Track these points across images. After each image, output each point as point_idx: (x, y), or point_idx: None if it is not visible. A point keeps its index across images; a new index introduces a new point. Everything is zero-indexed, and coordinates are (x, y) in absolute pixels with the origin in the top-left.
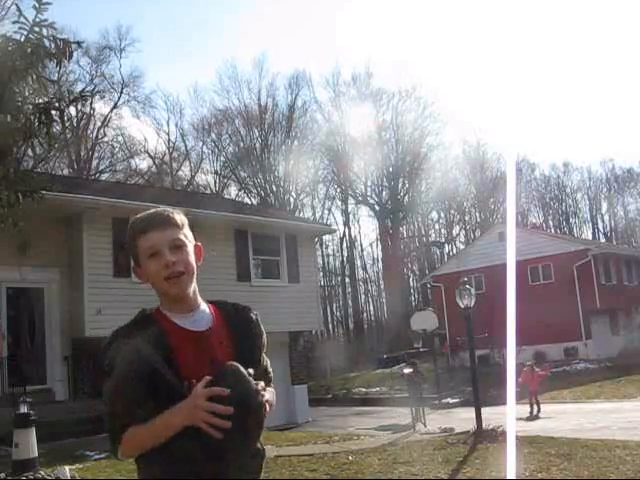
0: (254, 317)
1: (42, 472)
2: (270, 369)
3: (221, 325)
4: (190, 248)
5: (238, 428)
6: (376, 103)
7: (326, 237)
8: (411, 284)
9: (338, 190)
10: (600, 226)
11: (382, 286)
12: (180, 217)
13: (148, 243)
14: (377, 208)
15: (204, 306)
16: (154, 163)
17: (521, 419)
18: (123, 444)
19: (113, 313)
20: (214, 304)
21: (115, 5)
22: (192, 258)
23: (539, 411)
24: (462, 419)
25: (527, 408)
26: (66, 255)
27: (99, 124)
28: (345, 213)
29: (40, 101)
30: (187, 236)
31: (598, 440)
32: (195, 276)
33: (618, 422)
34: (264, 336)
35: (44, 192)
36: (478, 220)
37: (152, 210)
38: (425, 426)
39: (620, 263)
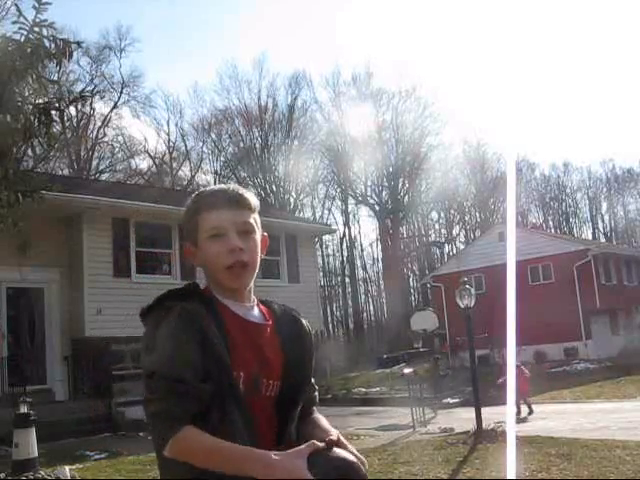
0: (305, 324)
1: (42, 472)
2: (316, 386)
3: (272, 325)
4: (258, 237)
5: None
6: (376, 103)
7: (326, 237)
8: (411, 284)
9: (338, 190)
10: (600, 226)
11: (382, 286)
12: (254, 199)
13: (213, 222)
14: (377, 208)
15: (255, 303)
16: (154, 163)
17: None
18: (182, 440)
19: (113, 313)
20: (263, 303)
21: (115, 5)
22: (259, 249)
23: (531, 412)
24: (462, 419)
25: (526, 409)
26: (66, 255)
27: (99, 124)
28: (345, 213)
29: (40, 101)
30: (257, 222)
31: (598, 440)
32: (257, 271)
33: (618, 422)
34: (313, 347)
35: (44, 192)
36: (478, 220)
37: (222, 185)
38: (425, 426)
39: (620, 263)
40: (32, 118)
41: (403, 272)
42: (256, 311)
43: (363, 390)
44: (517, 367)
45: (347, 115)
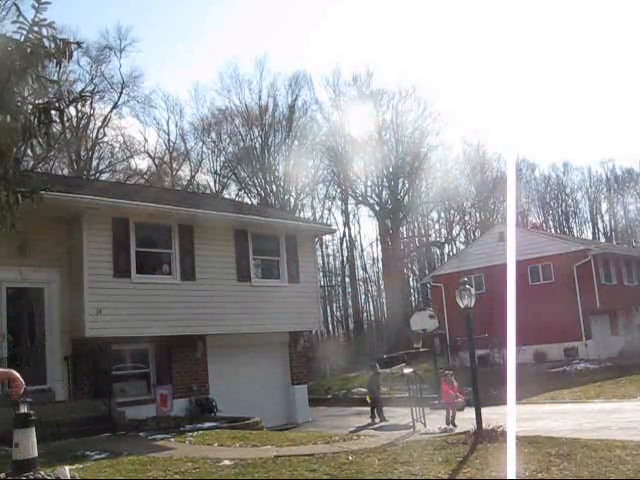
0: None
1: (42, 472)
2: None
3: None
4: None
5: None
6: (376, 103)
7: (326, 237)
8: (411, 284)
9: (338, 190)
10: (600, 226)
11: (382, 286)
12: None
13: None
14: (377, 208)
15: None
16: (154, 163)
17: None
18: None
19: (113, 313)
20: None
21: (115, 5)
22: None
23: (454, 424)
24: (462, 419)
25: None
26: (66, 255)
27: (99, 124)
28: (345, 213)
29: (40, 101)
30: None
31: (598, 440)
32: None
33: (618, 422)
34: None
35: (44, 192)
36: (478, 220)
37: None
38: (425, 426)
39: (620, 263)
40: (32, 118)
41: (403, 272)
42: None
43: (363, 390)
44: (446, 376)
45: (347, 115)
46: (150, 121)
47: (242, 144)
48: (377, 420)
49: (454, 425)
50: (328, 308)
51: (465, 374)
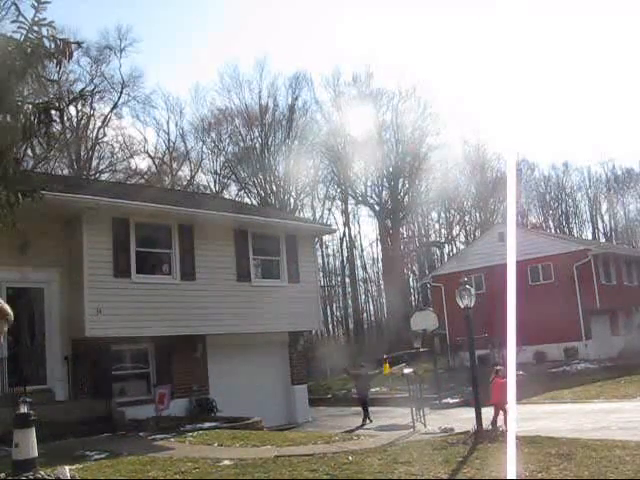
0: None
1: (42, 472)
2: None
3: None
4: None
5: None
6: (376, 103)
7: (326, 237)
8: (411, 284)
9: (338, 190)
10: (600, 226)
11: (382, 286)
12: None
13: None
14: (377, 208)
15: None
16: (154, 163)
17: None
18: None
19: (113, 313)
20: None
21: (115, 5)
22: None
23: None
24: (462, 419)
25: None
26: (66, 255)
27: (99, 124)
28: (345, 213)
29: (40, 101)
30: None
31: (598, 440)
32: None
33: (618, 422)
34: None
35: (44, 192)
36: (478, 220)
37: None
38: (425, 426)
39: (620, 263)
40: (32, 118)
41: (403, 272)
42: None
43: None
44: (496, 372)
45: (347, 115)
46: (150, 121)
47: (242, 144)
48: (367, 420)
49: (496, 426)
50: (328, 308)
51: (465, 374)
